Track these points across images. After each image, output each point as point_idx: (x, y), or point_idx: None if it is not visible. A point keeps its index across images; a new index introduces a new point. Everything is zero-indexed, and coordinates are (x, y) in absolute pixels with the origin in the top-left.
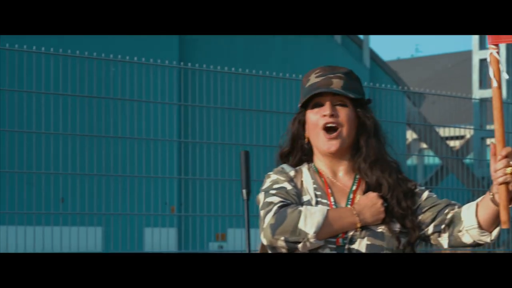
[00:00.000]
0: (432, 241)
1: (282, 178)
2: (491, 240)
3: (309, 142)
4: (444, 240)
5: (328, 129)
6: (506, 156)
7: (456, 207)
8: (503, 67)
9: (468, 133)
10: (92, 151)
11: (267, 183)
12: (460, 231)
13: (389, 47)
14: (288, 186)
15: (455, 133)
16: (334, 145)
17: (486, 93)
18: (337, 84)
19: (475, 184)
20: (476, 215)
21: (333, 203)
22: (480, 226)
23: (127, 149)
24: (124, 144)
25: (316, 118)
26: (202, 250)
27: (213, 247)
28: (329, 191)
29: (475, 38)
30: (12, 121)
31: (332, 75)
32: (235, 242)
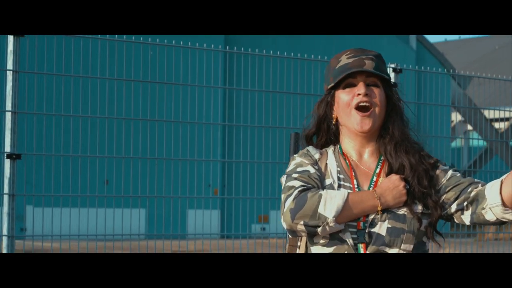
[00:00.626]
0: (455, 220)
1: (306, 161)
2: None
3: (336, 124)
4: (466, 218)
5: (361, 108)
6: None
7: (480, 185)
8: None
9: None
10: (137, 134)
11: (291, 166)
12: (483, 208)
13: None
14: (311, 170)
15: (501, 115)
16: (367, 124)
17: None
18: (369, 65)
19: None
20: (500, 193)
21: (356, 186)
22: (503, 204)
23: (171, 132)
24: (168, 127)
25: (348, 97)
26: (245, 232)
27: (255, 229)
28: (353, 174)
29: None
30: (59, 104)
31: (364, 57)
32: (277, 224)
